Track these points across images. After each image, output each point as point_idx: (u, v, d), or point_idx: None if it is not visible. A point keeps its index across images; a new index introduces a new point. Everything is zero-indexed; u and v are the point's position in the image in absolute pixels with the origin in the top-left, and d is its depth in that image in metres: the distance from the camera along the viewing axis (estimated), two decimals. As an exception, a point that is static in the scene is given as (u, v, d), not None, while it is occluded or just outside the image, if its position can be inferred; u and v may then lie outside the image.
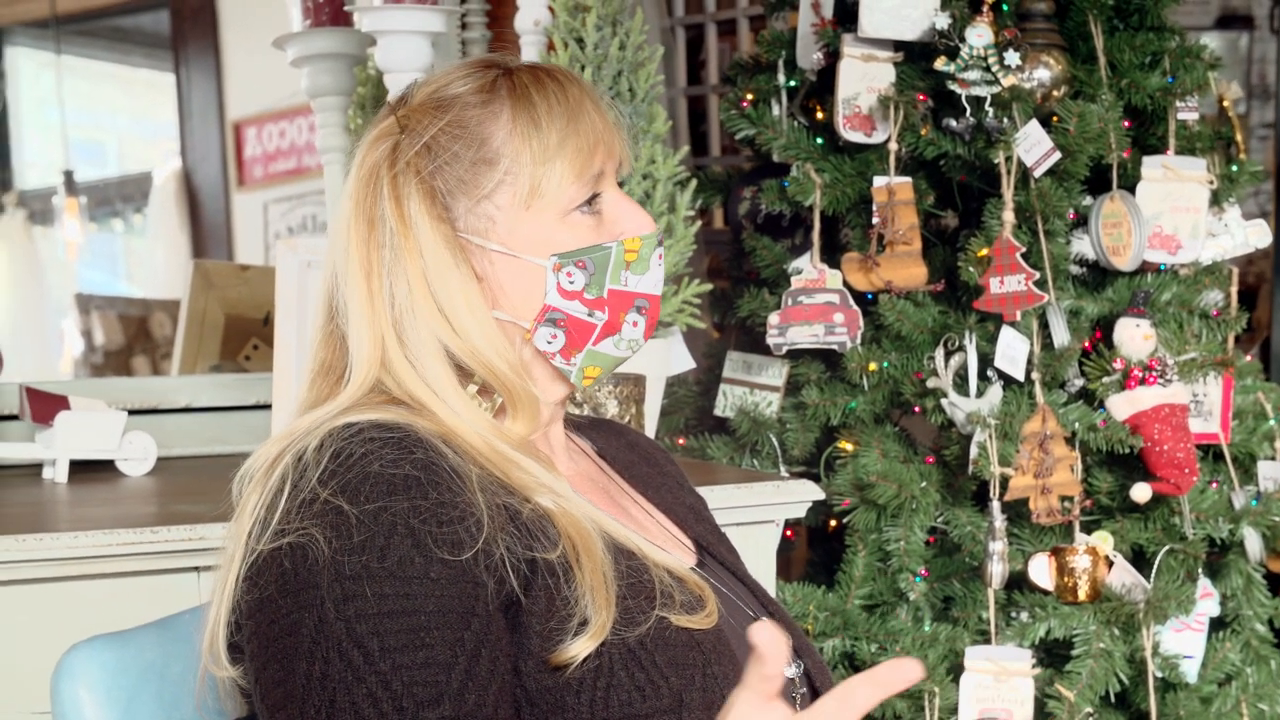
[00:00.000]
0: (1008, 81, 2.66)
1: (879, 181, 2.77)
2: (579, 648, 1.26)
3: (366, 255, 1.40)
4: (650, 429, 2.57)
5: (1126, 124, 2.83)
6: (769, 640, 1.04)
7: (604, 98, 1.49)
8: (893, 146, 2.76)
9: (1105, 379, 2.73)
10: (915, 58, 2.82)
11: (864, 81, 2.81)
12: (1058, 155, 2.69)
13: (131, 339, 5.89)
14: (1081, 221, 2.82)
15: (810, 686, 1.50)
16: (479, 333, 1.39)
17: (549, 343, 1.44)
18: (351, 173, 1.44)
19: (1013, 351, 2.67)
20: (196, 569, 1.95)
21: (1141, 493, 2.69)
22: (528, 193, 1.41)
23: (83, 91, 7.31)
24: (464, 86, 1.44)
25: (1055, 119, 2.76)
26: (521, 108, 1.42)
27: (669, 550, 1.47)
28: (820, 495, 2.36)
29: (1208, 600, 2.82)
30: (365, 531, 1.23)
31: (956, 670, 2.62)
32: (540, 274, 1.42)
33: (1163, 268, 2.86)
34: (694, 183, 2.63)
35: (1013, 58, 2.66)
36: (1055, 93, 2.82)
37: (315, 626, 1.22)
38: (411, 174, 1.40)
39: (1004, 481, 2.61)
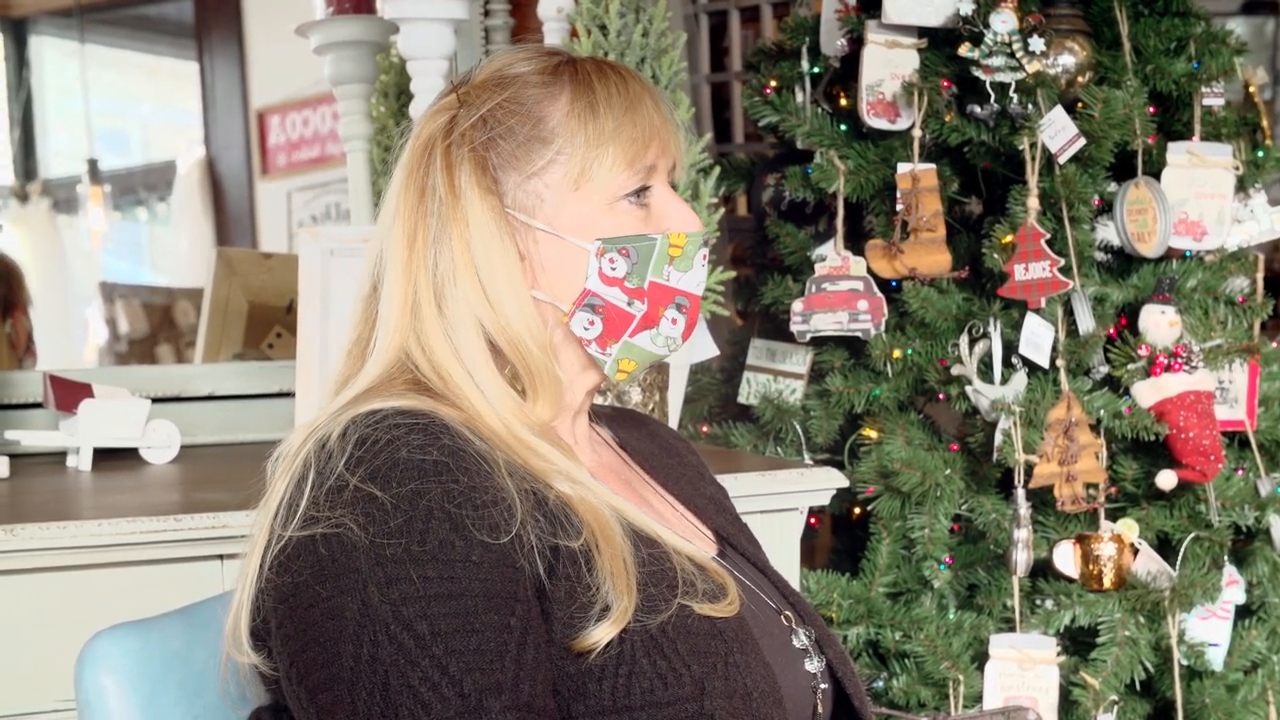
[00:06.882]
0: (1032, 68, 2.66)
1: (903, 168, 2.77)
2: (601, 633, 1.25)
3: (413, 223, 1.40)
4: (674, 416, 2.57)
5: (1151, 110, 2.82)
6: None
7: (665, 99, 1.49)
8: (916, 133, 2.75)
9: (1130, 366, 2.72)
10: (939, 44, 2.81)
11: (888, 68, 2.80)
12: (1082, 141, 2.68)
13: (155, 327, 5.88)
14: (1106, 208, 2.81)
15: (833, 679, 1.49)
16: (514, 308, 1.38)
17: (586, 329, 1.43)
18: (407, 145, 1.45)
19: (1037, 338, 2.67)
20: (220, 557, 1.95)
21: (1167, 480, 2.68)
22: (578, 174, 1.41)
23: (107, 80, 7.30)
24: (527, 66, 1.44)
25: (1080, 105, 2.74)
26: (581, 92, 1.42)
27: (690, 541, 1.46)
28: (844, 483, 2.36)
29: (1233, 588, 2.81)
30: (402, 515, 1.22)
31: (981, 658, 2.62)
32: (583, 257, 1.42)
33: (1188, 254, 2.85)
34: (717, 170, 2.63)
35: (1037, 44, 2.65)
36: (1080, 79, 2.81)
37: (360, 610, 1.21)
38: (465, 145, 1.40)
39: (1029, 469, 2.60)
